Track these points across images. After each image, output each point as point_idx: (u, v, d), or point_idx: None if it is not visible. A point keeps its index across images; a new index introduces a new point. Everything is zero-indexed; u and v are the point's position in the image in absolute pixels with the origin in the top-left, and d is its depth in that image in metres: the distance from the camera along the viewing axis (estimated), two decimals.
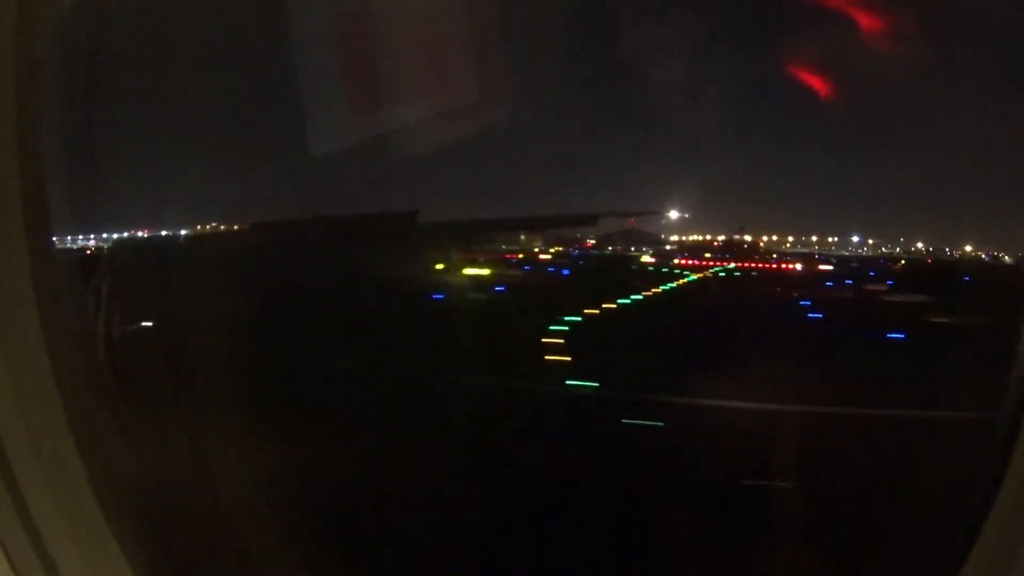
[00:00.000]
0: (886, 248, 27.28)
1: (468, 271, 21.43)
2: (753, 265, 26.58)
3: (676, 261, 27.08)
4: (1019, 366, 2.15)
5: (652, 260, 27.32)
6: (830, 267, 25.86)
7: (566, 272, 25.00)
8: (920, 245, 26.05)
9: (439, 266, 21.02)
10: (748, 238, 27.90)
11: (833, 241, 27.58)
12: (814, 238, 27.57)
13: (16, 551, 2.13)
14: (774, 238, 27.49)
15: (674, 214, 24.69)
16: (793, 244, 27.63)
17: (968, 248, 22.49)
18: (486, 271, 22.28)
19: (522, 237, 26.84)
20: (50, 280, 2.31)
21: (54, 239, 2.57)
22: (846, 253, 27.50)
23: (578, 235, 28.96)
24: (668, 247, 28.37)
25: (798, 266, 26.46)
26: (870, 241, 27.37)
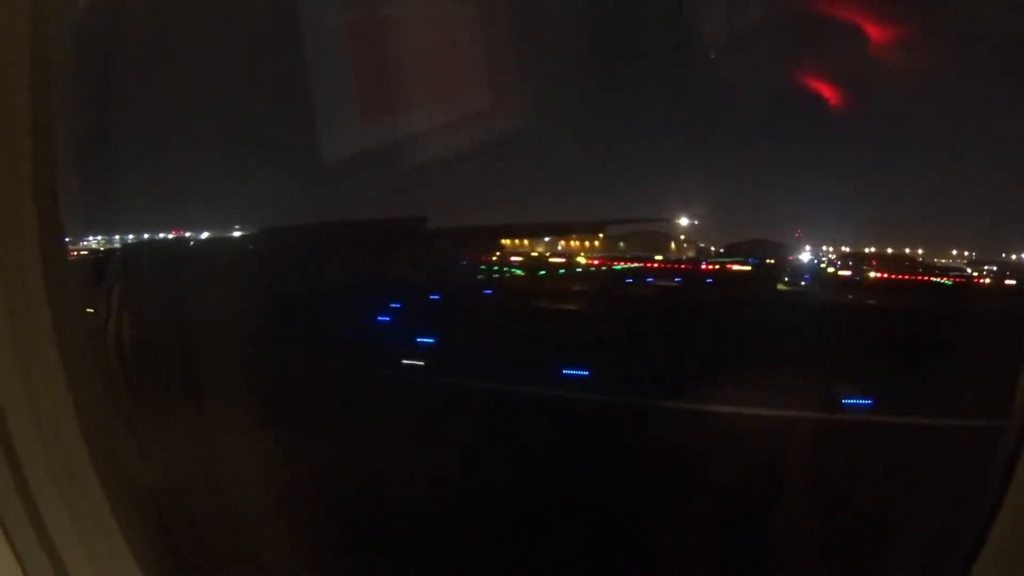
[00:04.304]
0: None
1: None
2: None
3: None
4: None
5: None
6: None
7: None
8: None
9: None
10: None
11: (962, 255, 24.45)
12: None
13: (25, 549, 2.14)
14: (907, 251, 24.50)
15: (684, 220, 24.21)
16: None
17: None
18: None
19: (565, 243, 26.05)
20: (62, 281, 2.32)
21: (66, 240, 2.59)
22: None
23: (702, 244, 26.01)
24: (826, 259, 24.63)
25: None
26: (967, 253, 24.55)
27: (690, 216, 23.90)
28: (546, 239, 26.30)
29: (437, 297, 18.21)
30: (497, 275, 24.06)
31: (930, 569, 4.45)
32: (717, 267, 24.51)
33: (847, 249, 25.40)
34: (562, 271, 24.92)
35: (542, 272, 24.55)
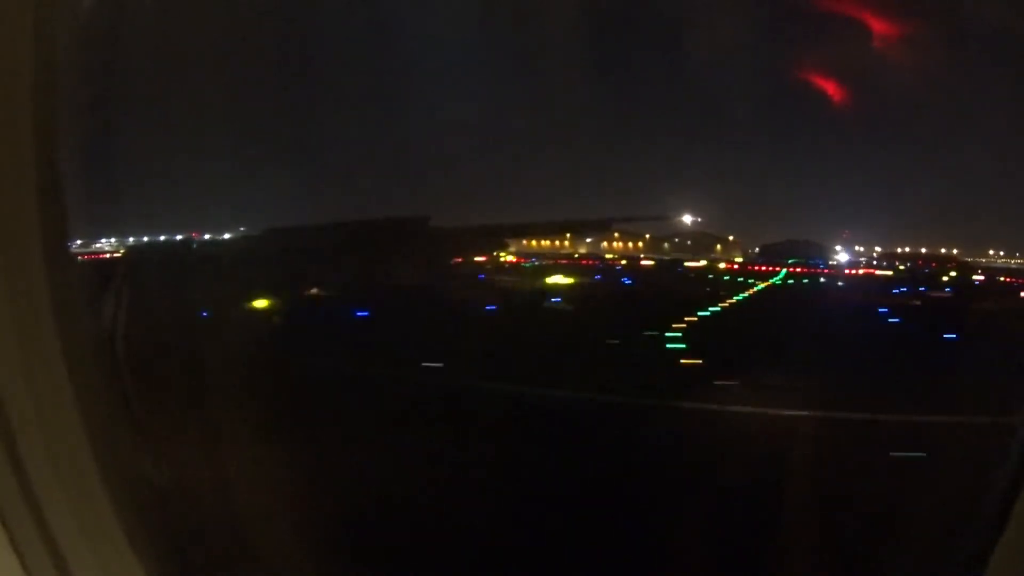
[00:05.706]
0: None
1: None
2: None
3: None
4: None
5: None
6: None
7: None
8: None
9: None
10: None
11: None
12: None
13: (27, 548, 2.15)
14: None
15: (687, 219, 23.60)
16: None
17: None
18: None
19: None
20: (67, 284, 2.32)
21: (71, 244, 2.59)
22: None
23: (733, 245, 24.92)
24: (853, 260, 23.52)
25: None
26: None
27: (695, 214, 23.31)
28: (587, 240, 25.34)
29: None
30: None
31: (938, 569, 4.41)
32: (862, 272, 23.16)
33: (879, 249, 24.89)
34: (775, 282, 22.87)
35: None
